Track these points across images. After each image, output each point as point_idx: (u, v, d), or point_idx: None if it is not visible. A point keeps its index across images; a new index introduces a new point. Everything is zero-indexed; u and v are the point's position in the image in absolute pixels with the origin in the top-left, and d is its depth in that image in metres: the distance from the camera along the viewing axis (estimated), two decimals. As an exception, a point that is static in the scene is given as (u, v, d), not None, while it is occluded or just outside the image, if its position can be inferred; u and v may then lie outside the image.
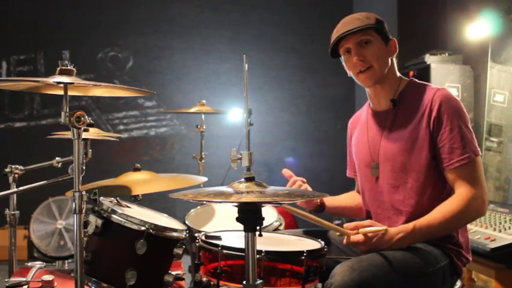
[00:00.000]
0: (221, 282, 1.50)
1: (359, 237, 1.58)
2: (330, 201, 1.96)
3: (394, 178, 1.72)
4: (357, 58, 1.69)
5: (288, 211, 1.71)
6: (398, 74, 1.79)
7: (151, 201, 2.30)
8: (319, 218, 1.63)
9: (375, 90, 1.78)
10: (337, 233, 1.69)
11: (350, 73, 1.77)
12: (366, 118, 1.87)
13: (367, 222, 1.63)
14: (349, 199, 2.04)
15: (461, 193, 1.61)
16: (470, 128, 1.66)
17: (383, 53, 1.72)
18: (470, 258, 1.74)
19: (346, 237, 1.61)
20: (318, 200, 1.92)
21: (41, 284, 1.68)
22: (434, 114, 1.63)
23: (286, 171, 1.88)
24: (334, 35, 1.73)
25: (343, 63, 1.78)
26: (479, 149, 1.66)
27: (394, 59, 1.77)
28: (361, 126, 1.90)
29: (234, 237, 1.69)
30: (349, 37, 1.69)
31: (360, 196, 1.98)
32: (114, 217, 1.66)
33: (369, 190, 1.83)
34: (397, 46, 1.76)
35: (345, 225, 1.62)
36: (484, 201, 1.63)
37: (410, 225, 1.61)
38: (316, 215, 1.70)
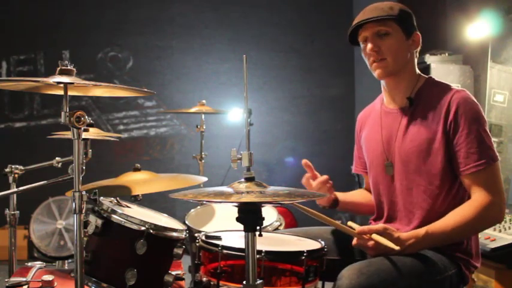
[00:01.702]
0: (221, 282, 1.50)
1: (370, 243, 1.56)
2: (342, 196, 1.91)
3: (408, 180, 1.69)
4: (371, 48, 1.66)
5: (301, 210, 1.67)
6: (417, 71, 1.74)
7: (151, 201, 2.30)
8: (329, 218, 1.61)
9: (390, 84, 1.74)
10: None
11: (367, 64, 1.73)
12: (379, 115, 1.82)
13: (380, 226, 1.57)
14: (360, 196, 2.00)
15: (476, 199, 1.57)
16: (489, 132, 1.61)
17: (401, 47, 1.67)
18: (479, 265, 1.70)
19: (356, 238, 1.59)
20: (333, 196, 1.87)
21: (41, 284, 1.68)
22: (451, 116, 1.59)
23: (306, 162, 1.80)
24: (354, 22, 1.70)
25: (362, 53, 1.74)
26: (497, 154, 1.61)
27: (415, 54, 1.73)
28: (373, 123, 1.85)
29: (234, 237, 1.69)
30: (368, 26, 1.66)
31: (369, 194, 1.96)
32: (114, 217, 1.66)
33: (382, 189, 1.79)
34: (421, 40, 1.71)
35: (358, 229, 1.59)
36: (501, 209, 1.58)
37: (422, 231, 1.57)
38: (326, 213, 1.68)
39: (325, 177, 1.77)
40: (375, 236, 1.56)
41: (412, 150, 1.67)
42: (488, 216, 1.58)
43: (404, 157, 1.69)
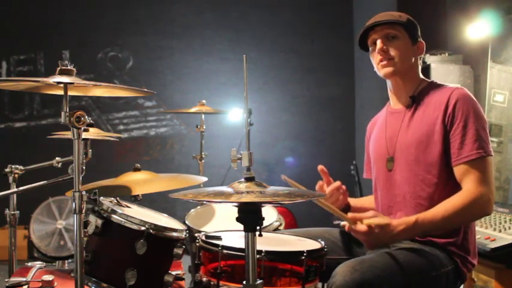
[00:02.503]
0: (221, 282, 1.50)
1: (362, 228, 1.55)
2: (354, 202, 1.95)
3: (407, 170, 1.73)
4: (381, 47, 1.74)
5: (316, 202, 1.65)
6: (421, 75, 1.83)
7: (151, 201, 2.30)
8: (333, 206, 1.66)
9: (396, 84, 1.81)
10: (342, 223, 1.66)
11: (375, 66, 1.81)
12: (384, 117, 1.90)
13: (371, 213, 1.61)
14: (369, 202, 2.01)
15: (466, 189, 1.60)
16: (486, 129, 1.66)
17: (408, 50, 1.76)
18: (476, 262, 1.72)
19: (348, 224, 1.60)
20: (346, 201, 1.91)
21: (41, 284, 1.68)
22: (450, 109, 1.65)
23: (322, 169, 1.83)
24: (365, 26, 1.79)
25: (370, 56, 1.83)
26: (491, 150, 1.65)
27: (419, 60, 1.82)
28: (379, 125, 1.93)
29: (234, 237, 1.69)
30: (378, 29, 1.75)
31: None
32: (114, 217, 1.66)
33: (383, 184, 1.83)
34: (424, 48, 1.81)
35: (350, 215, 1.60)
36: (489, 200, 1.61)
37: (412, 218, 1.59)
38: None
39: (337, 183, 1.82)
40: (366, 221, 1.56)
41: (412, 142, 1.72)
42: (477, 207, 1.60)
43: (404, 149, 1.75)
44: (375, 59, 1.79)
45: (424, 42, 1.82)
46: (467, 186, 1.61)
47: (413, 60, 1.79)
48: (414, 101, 1.77)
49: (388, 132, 1.83)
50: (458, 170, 1.64)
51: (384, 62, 1.76)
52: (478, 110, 1.66)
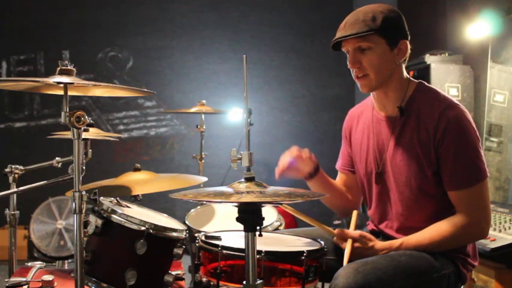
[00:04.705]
0: (221, 283, 1.50)
1: (345, 245, 1.64)
2: (323, 174, 1.92)
3: (400, 192, 1.69)
4: (352, 64, 1.64)
5: (287, 211, 1.74)
6: (405, 75, 1.69)
7: (151, 201, 2.30)
8: (314, 220, 1.70)
9: (379, 94, 1.70)
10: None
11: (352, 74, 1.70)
12: (370, 121, 1.79)
13: (357, 233, 1.65)
14: (338, 186, 1.97)
15: (456, 217, 1.59)
16: (480, 150, 1.58)
17: (384, 60, 1.61)
18: (477, 264, 1.72)
19: (335, 238, 1.69)
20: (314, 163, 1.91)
21: (41, 284, 1.69)
22: (439, 135, 1.57)
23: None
24: (337, 33, 1.66)
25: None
26: (487, 170, 1.58)
27: (403, 61, 1.66)
28: (364, 127, 1.82)
29: (234, 237, 1.69)
30: (349, 40, 1.62)
31: (344, 190, 1.95)
32: (114, 217, 1.66)
33: (374, 196, 1.79)
34: (409, 48, 1.64)
35: (337, 231, 1.68)
36: (482, 228, 1.59)
37: (397, 242, 1.62)
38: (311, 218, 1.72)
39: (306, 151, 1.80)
40: (348, 245, 1.63)
41: (403, 164, 1.66)
42: (467, 235, 1.61)
43: (395, 169, 1.69)
44: (351, 71, 1.68)
45: (407, 41, 1.63)
46: (458, 214, 1.59)
47: (393, 66, 1.63)
48: (403, 113, 1.65)
49: (376, 143, 1.75)
50: (451, 195, 1.60)
51: (360, 80, 1.65)
52: (469, 133, 1.57)
